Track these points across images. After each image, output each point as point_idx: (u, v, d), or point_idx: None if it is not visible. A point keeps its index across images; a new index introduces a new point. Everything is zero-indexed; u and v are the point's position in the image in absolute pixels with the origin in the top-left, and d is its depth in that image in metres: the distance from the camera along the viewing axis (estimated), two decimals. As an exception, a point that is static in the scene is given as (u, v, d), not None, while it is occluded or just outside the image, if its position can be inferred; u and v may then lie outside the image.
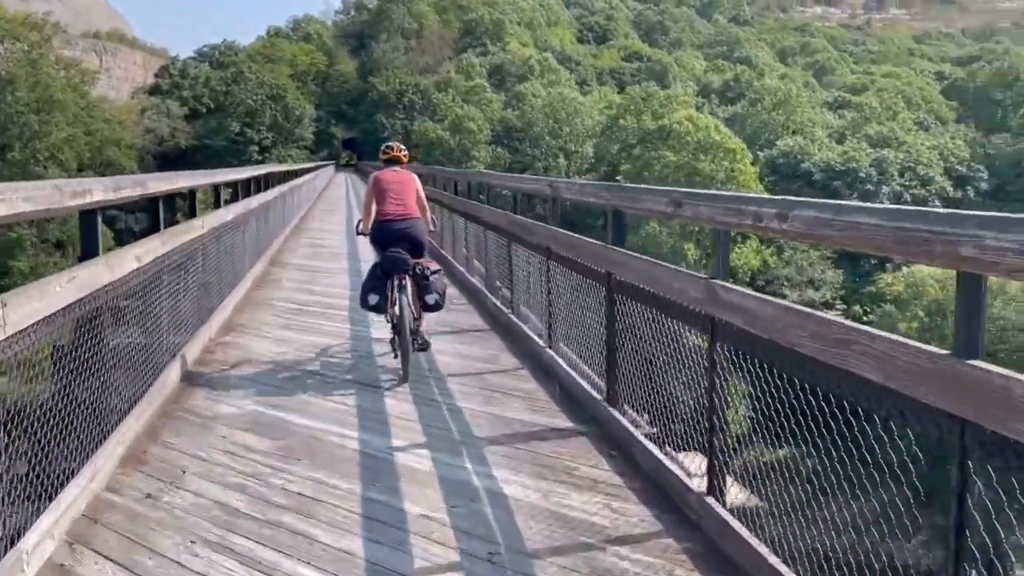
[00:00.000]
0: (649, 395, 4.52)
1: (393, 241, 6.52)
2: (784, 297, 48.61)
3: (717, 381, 3.56)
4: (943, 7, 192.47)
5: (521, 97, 66.18)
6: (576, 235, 6.03)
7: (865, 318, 48.38)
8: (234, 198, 10.74)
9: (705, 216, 3.71)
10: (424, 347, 6.69)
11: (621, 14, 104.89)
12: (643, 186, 5.97)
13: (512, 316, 8.08)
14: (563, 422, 5.28)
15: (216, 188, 9.45)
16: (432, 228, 7.13)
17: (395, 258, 6.40)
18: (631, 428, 4.68)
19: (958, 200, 50.07)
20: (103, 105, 59.74)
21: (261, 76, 70.12)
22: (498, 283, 9.10)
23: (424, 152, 63.47)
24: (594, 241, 5.48)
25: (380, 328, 7.20)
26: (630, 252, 4.81)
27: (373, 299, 6.43)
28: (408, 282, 6.46)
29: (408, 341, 6.26)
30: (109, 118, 58.57)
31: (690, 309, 3.85)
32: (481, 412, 5.50)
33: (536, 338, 7.05)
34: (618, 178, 52.72)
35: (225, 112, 67.98)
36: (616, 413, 4.93)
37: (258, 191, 12.54)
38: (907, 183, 50.29)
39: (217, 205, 9.33)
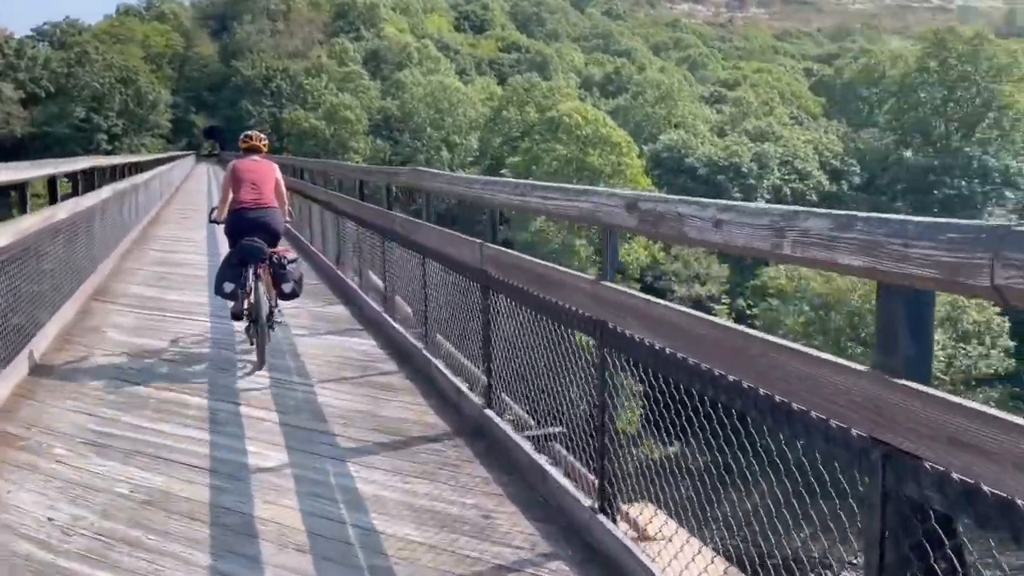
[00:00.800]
0: (524, 388, 4.50)
1: (249, 230, 6.51)
2: (672, 293, 48.45)
3: (608, 383, 3.49)
4: (800, 7, 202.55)
5: (400, 85, 63.17)
6: (450, 231, 5.92)
7: (748, 312, 48.85)
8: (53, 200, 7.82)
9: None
10: (277, 324, 6.81)
11: (497, 4, 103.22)
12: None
13: (384, 314, 7.98)
14: (432, 418, 5.34)
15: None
16: (289, 219, 7.18)
17: (251, 247, 6.43)
18: (508, 430, 4.65)
19: (834, 194, 51.27)
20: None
21: (109, 58, 63.87)
22: (374, 277, 9.00)
23: (296, 142, 59.42)
24: (471, 239, 5.28)
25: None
26: (503, 249, 4.78)
27: (229, 287, 6.42)
28: (264, 271, 6.55)
29: (264, 329, 6.38)
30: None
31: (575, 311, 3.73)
32: (348, 407, 5.52)
33: (406, 333, 7.07)
34: (503, 171, 50.94)
35: (68, 96, 61.55)
36: (492, 414, 4.91)
37: (87, 190, 9.57)
38: (786, 177, 51.03)
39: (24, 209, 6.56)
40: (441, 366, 5.90)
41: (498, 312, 4.77)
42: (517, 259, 4.44)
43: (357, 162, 52.67)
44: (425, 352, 6.31)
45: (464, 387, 5.40)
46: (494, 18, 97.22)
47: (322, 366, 6.63)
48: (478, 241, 4.99)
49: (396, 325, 7.39)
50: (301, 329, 7.91)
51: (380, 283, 8.32)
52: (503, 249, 4.74)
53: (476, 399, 5.13)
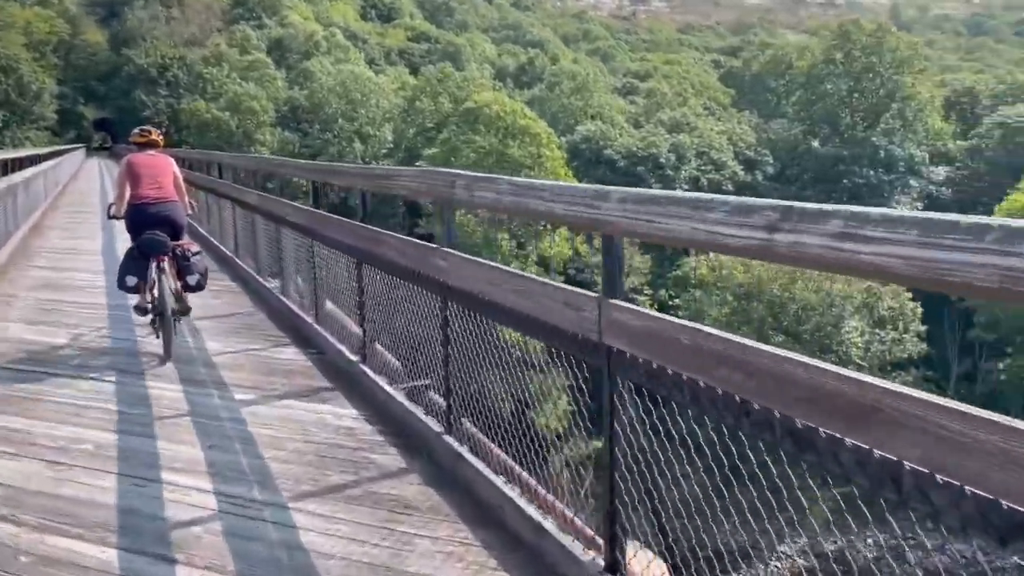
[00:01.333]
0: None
1: (152, 224, 6.57)
2: (596, 286, 47.99)
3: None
4: (699, 2, 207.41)
5: (308, 75, 60.49)
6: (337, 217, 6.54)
7: (670, 303, 48.94)
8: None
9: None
10: (185, 311, 6.87)
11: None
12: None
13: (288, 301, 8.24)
14: (320, 382, 5.82)
15: None
16: (190, 211, 7.16)
17: (153, 240, 6.51)
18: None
19: (749, 184, 51.88)
20: None
21: (-15, 44, 58.84)
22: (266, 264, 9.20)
23: (196, 135, 56.06)
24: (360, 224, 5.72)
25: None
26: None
27: (131, 280, 6.49)
28: (167, 264, 6.64)
29: (170, 322, 6.42)
30: None
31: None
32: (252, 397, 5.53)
33: (304, 316, 7.50)
34: (419, 163, 49.46)
35: (-63, 86, 56.36)
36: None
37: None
38: (703, 167, 51.32)
39: None
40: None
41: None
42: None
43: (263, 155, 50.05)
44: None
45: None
46: (402, 7, 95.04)
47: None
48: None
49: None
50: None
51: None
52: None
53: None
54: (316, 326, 7.11)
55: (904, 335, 43.74)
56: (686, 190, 51.68)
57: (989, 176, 51.59)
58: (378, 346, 5.60)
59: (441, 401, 4.48)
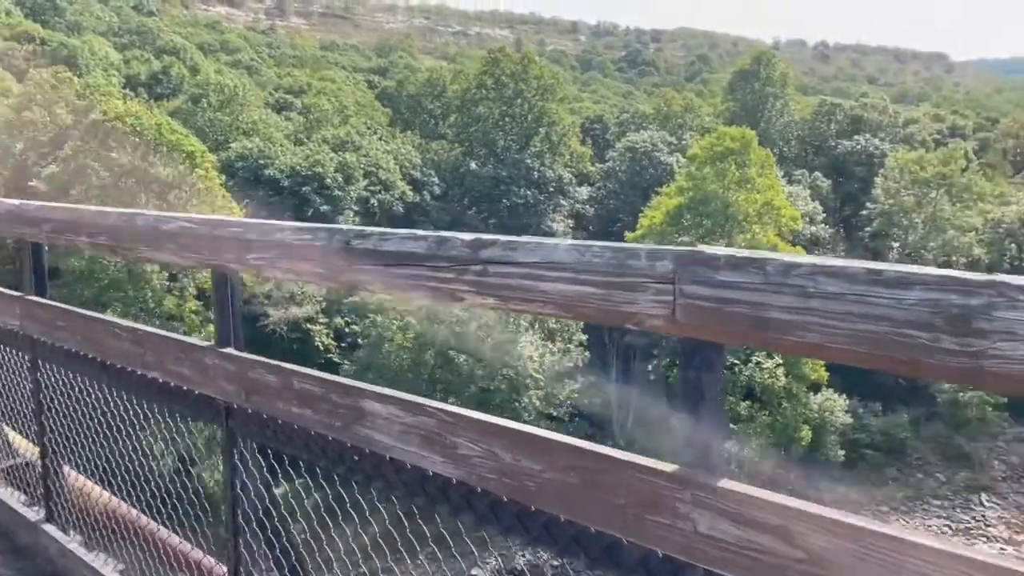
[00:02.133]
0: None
1: None
2: (267, 318, 43.91)
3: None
4: (338, 21, 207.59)
5: None
6: None
7: (348, 329, 46.63)
8: None
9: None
10: None
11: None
12: None
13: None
14: None
15: None
16: None
17: None
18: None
19: (418, 204, 51.55)
20: None
21: None
22: None
23: None
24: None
25: None
26: None
27: None
28: None
29: None
30: None
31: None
32: None
33: None
34: (31, 183, 41.33)
35: None
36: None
37: None
38: (372, 188, 49.85)
39: None
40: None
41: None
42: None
43: None
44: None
45: None
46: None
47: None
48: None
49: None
50: None
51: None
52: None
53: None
54: None
55: (569, 345, 46.52)
56: (355, 212, 49.76)
57: (623, 195, 57.31)
58: None
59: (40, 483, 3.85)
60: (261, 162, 47.06)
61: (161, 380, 2.92)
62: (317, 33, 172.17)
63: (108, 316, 3.43)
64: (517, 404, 42.57)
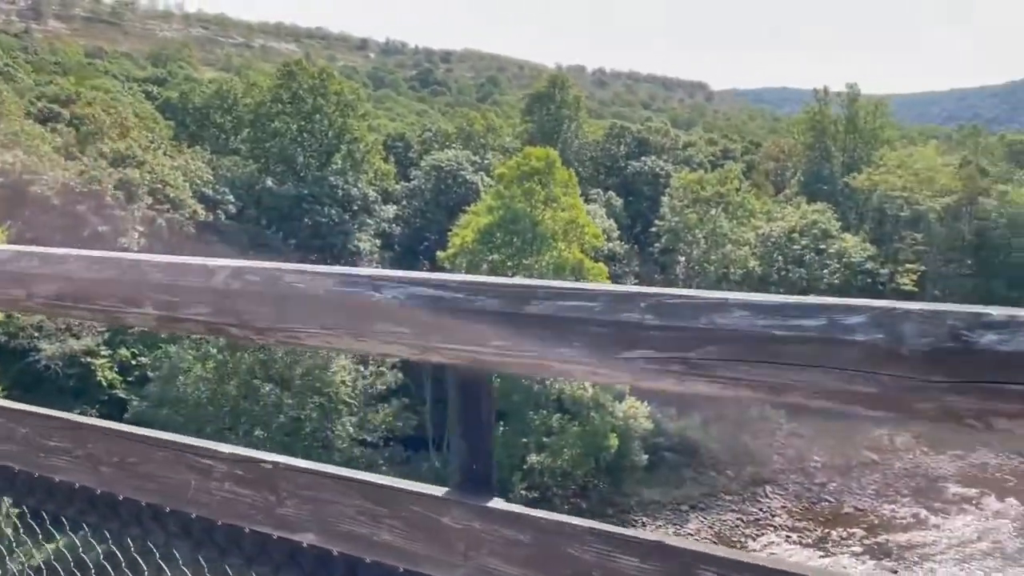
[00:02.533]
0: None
1: None
2: (39, 352, 38.83)
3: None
4: (106, 27, 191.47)
5: None
6: None
7: (134, 361, 42.46)
8: None
9: None
10: None
11: None
12: None
13: None
14: None
15: None
16: None
17: None
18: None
19: (211, 224, 48.09)
20: None
21: None
22: None
23: None
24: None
25: None
26: None
27: None
28: None
29: None
30: None
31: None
32: None
33: None
34: None
35: None
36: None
37: None
38: (159, 207, 45.83)
39: None
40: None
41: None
42: None
43: None
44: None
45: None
46: None
47: None
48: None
49: None
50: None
51: None
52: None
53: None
54: None
55: (382, 368, 45.27)
56: (140, 232, 45.49)
57: (429, 213, 56.99)
58: None
59: None
60: (26, 178, 41.80)
61: None
62: (81, 39, 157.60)
63: None
64: (330, 432, 40.70)
